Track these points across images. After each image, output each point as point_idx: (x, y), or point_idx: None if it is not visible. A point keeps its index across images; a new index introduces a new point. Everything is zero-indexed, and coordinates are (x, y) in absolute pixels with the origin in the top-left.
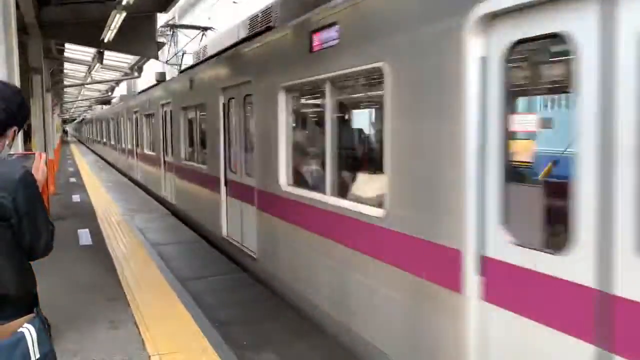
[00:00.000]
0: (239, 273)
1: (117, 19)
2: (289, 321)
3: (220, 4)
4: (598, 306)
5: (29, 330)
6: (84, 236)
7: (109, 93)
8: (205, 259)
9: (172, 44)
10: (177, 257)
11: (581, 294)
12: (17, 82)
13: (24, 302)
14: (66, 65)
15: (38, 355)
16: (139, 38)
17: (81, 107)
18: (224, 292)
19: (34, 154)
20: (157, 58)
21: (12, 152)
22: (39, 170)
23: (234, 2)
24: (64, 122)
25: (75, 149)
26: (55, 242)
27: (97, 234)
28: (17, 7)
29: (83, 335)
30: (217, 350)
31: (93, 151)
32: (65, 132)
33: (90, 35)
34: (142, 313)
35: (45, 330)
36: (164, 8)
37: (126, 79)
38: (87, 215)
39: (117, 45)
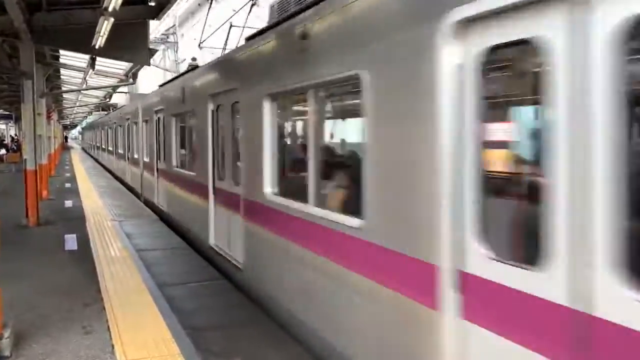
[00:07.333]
0: (222, 279)
1: (105, 25)
2: (264, 328)
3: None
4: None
5: None
6: (70, 241)
7: (107, 99)
8: (190, 265)
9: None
10: (161, 263)
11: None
12: None
13: None
14: (62, 71)
15: None
16: (131, 45)
17: (81, 113)
18: (204, 298)
19: None
20: (149, 65)
21: None
22: None
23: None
24: (65, 128)
25: (75, 156)
26: (40, 246)
27: (83, 239)
28: (6, 12)
29: (55, 340)
30: (186, 357)
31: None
32: (65, 138)
33: (81, 41)
34: (117, 318)
35: None
36: (156, 15)
37: (121, 85)
38: (77, 220)
39: (109, 51)
